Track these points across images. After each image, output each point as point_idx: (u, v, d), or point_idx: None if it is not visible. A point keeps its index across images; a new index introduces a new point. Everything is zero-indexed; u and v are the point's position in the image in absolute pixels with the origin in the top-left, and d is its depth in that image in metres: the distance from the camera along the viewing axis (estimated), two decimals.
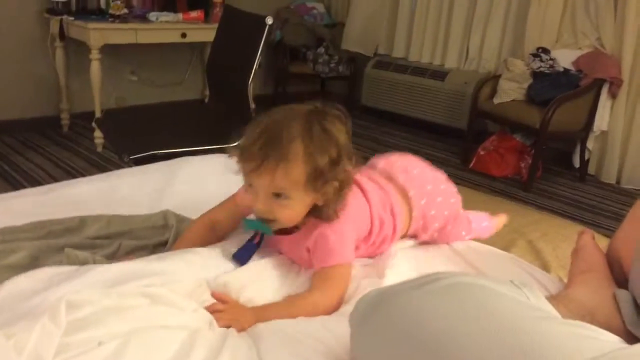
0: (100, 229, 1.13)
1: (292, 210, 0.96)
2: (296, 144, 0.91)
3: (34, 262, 0.98)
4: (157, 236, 1.17)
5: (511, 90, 3.33)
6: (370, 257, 1.16)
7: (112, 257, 1.04)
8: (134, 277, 0.84)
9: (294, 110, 0.98)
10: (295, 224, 1.01)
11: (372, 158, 1.28)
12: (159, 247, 1.14)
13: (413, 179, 1.20)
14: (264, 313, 0.92)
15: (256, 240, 1.05)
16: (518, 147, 3.34)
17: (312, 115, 0.96)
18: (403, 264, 1.13)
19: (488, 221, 1.43)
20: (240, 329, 0.88)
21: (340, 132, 0.97)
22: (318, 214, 0.99)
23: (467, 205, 1.42)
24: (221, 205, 1.12)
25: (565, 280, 1.20)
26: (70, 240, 1.07)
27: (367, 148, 3.77)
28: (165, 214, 1.21)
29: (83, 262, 0.95)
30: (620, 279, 1.05)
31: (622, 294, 0.97)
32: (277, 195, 0.94)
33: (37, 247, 1.01)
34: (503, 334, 0.62)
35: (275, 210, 0.95)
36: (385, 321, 0.71)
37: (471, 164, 3.39)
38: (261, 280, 0.99)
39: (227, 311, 0.90)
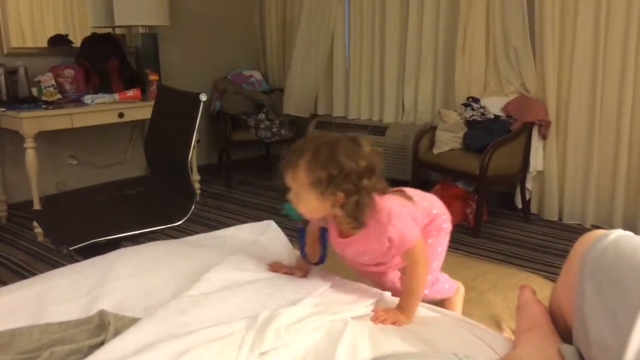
0: (32, 342, 1.07)
1: (305, 205, 1.29)
2: (303, 159, 1.25)
3: None
4: (93, 337, 1.11)
5: (448, 140, 3.43)
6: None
7: None
8: None
9: (320, 137, 1.30)
10: (314, 217, 1.35)
11: None
12: (95, 347, 1.08)
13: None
14: (408, 309, 1.26)
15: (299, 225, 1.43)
16: (462, 195, 3.42)
17: (326, 143, 1.26)
18: (355, 339, 1.12)
19: (449, 283, 1.59)
20: (402, 324, 1.23)
21: (352, 159, 1.24)
22: (349, 219, 1.29)
23: None
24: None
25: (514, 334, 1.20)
26: None
27: None
28: (100, 314, 1.16)
29: None
30: (565, 332, 1.06)
31: (567, 349, 0.98)
32: (296, 193, 1.28)
33: None
34: None
35: (296, 204, 1.30)
36: None
37: None
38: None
39: (387, 315, 1.24)
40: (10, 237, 3.26)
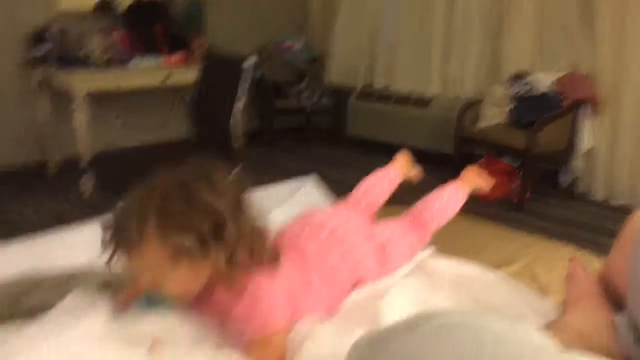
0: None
1: (175, 284, 0.88)
2: (149, 225, 0.84)
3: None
4: None
5: (494, 115, 3.36)
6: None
7: None
8: None
9: (152, 186, 0.89)
10: (193, 292, 0.91)
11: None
12: None
13: None
14: None
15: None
16: (506, 170, 3.35)
17: (172, 188, 0.88)
18: (400, 298, 1.11)
19: (452, 195, 1.45)
20: None
21: (223, 193, 0.90)
22: (221, 280, 0.90)
23: (453, 234, 1.42)
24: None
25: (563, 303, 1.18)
26: None
27: (357, 178, 3.76)
28: None
29: None
30: (616, 305, 1.03)
31: (619, 319, 0.96)
32: (152, 273, 0.87)
33: None
34: None
35: (160, 286, 0.88)
36: None
37: None
38: None
39: None
40: (59, 192, 3.36)
